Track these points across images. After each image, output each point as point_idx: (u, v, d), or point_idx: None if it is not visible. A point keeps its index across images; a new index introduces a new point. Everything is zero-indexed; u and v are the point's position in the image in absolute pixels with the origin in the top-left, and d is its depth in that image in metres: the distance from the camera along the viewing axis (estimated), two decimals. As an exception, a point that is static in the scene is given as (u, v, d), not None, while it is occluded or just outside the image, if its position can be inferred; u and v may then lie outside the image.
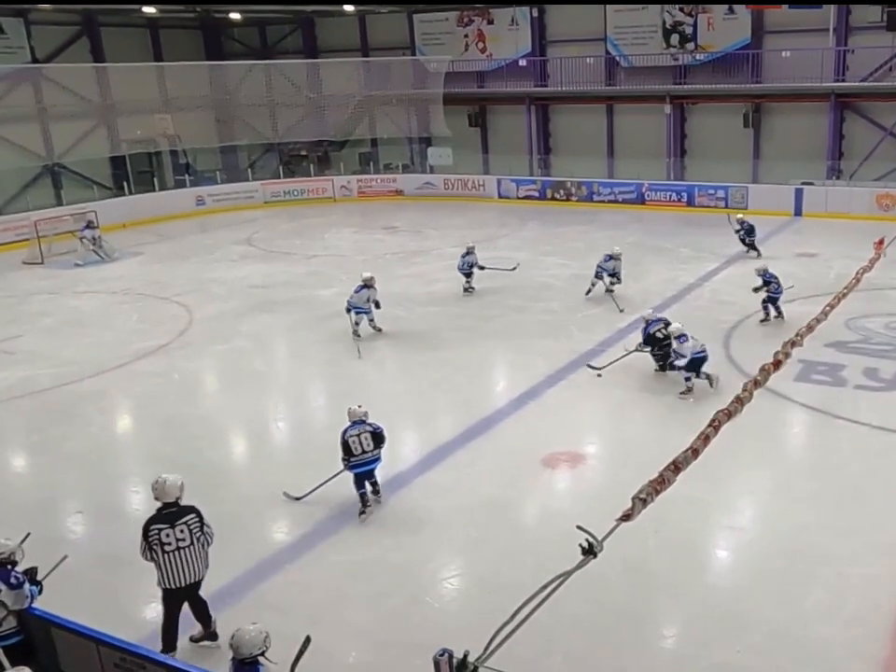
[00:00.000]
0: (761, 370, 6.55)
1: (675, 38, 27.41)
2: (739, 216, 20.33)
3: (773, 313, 15.05)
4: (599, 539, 4.68)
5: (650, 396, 12.34)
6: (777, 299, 14.96)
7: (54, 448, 11.49)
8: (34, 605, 6.56)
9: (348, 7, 29.20)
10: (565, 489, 10.13)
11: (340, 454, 9.41)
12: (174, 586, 7.18)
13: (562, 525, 8.34)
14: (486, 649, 4.50)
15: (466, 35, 31.30)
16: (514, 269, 17.70)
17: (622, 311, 15.79)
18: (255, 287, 18.62)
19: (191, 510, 7.36)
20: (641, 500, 4.91)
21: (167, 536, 7.16)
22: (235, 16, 31.62)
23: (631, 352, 13.04)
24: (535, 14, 29.74)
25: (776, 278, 14.92)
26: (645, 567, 8.08)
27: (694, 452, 5.33)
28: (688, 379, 12.15)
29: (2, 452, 11.78)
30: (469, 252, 17.42)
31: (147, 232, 25.84)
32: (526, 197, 28.89)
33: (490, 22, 30.74)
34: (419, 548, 8.68)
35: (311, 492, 9.60)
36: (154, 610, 7.88)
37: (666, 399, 12.05)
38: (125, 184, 29.47)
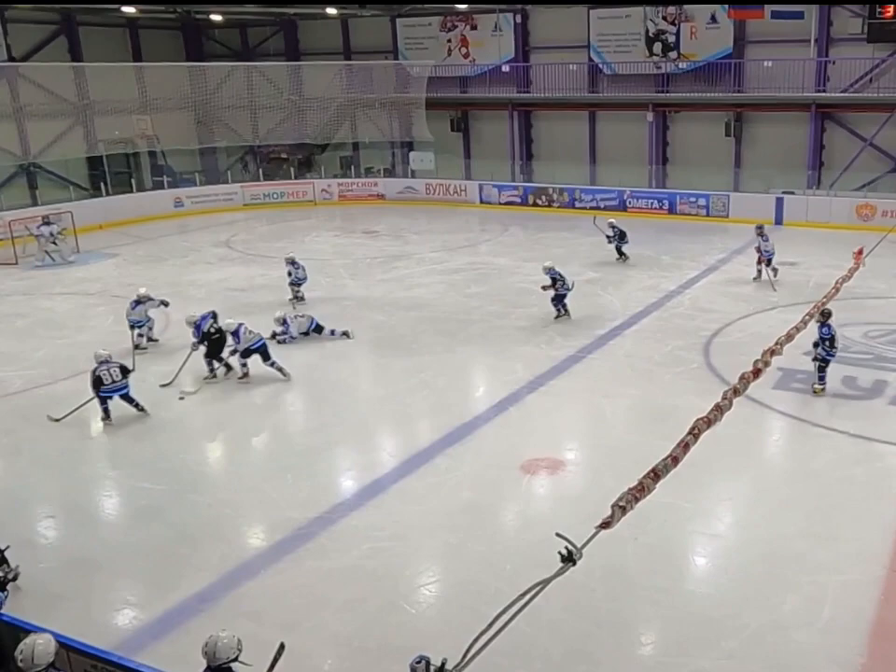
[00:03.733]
0: (740, 378, 6.60)
1: (658, 47, 27.62)
2: (611, 220, 20.71)
3: (563, 310, 16.00)
4: (579, 546, 4.68)
5: (630, 402, 12.39)
6: (565, 295, 15.92)
7: (25, 451, 11.36)
8: (2, 611, 6.50)
9: (331, 10, 29.16)
10: (544, 495, 10.12)
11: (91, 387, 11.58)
12: None
13: (541, 531, 8.37)
14: (464, 657, 4.48)
15: (449, 41, 31.38)
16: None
17: None
18: (233, 290, 18.53)
19: None
20: (621, 508, 4.92)
21: None
22: (216, 17, 31.50)
23: (190, 354, 13.68)
24: (518, 20, 29.90)
25: (563, 277, 15.81)
26: (624, 574, 8.11)
27: (674, 459, 5.35)
28: (243, 365, 13.47)
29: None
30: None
31: (123, 234, 25.65)
32: (508, 203, 28.96)
33: (473, 28, 30.84)
34: (396, 554, 8.65)
35: (69, 414, 11.76)
36: (126, 616, 7.84)
37: (647, 407, 12.10)
38: (102, 185, 29.25)
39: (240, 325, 13.55)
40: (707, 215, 25.72)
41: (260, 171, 32.04)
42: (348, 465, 10.97)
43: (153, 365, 14.21)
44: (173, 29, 33.15)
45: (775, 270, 18.13)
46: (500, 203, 29.06)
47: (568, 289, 15.92)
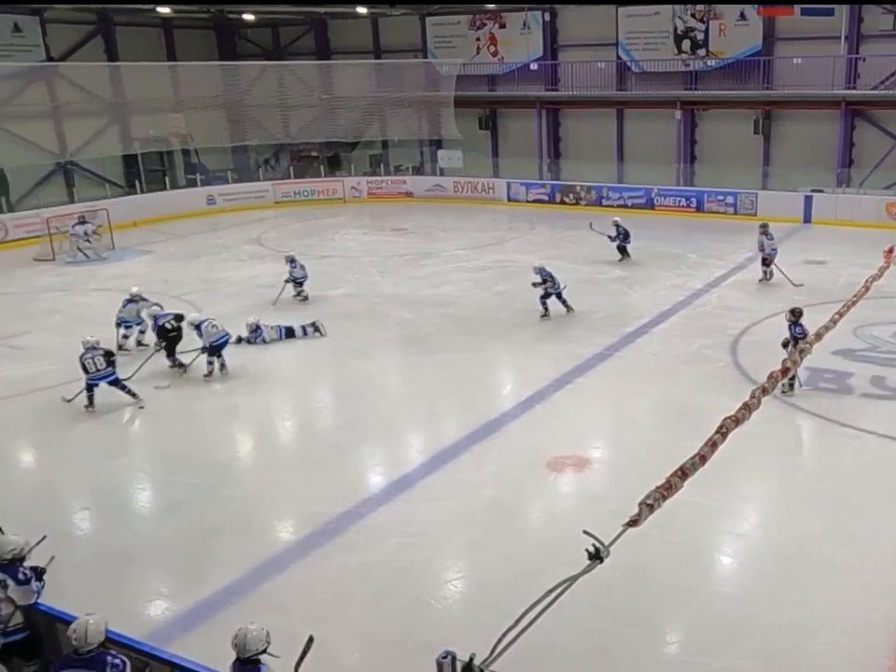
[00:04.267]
0: (769, 377, 6.52)
1: (686, 44, 27.40)
2: (616, 218, 20.56)
3: (561, 308, 16.17)
4: (606, 543, 4.67)
5: (656, 401, 12.31)
6: (551, 295, 16.02)
7: (61, 444, 11.53)
8: (39, 601, 6.57)
9: (361, 9, 29.22)
10: (570, 493, 10.11)
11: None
12: None
13: (566, 529, 8.37)
14: (492, 652, 4.49)
15: (478, 39, 31.33)
16: None
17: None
18: (264, 287, 18.61)
19: None
20: (648, 506, 4.89)
21: None
22: (249, 17, 31.69)
23: (154, 352, 13.83)
24: (547, 18, 29.78)
25: (552, 276, 15.95)
26: (649, 573, 8.05)
27: (702, 458, 5.30)
28: (209, 363, 13.53)
29: (9, 448, 11.78)
30: None
31: (157, 231, 25.87)
32: (535, 200, 28.89)
33: (502, 26, 30.77)
34: (423, 550, 8.67)
35: (76, 395, 12.28)
36: (158, 608, 7.94)
37: (673, 404, 12.02)
38: (137, 182, 29.51)
39: (203, 320, 13.75)
40: (735, 213, 25.48)
41: (291, 169, 32.18)
42: (376, 461, 11.01)
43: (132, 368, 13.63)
44: (206, 28, 33.36)
45: (772, 270, 17.85)
46: (528, 201, 29.00)
47: (559, 289, 16.04)
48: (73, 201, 26.96)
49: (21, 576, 6.42)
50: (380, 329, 15.76)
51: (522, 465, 10.36)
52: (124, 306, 15.09)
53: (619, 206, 27.02)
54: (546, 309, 16.11)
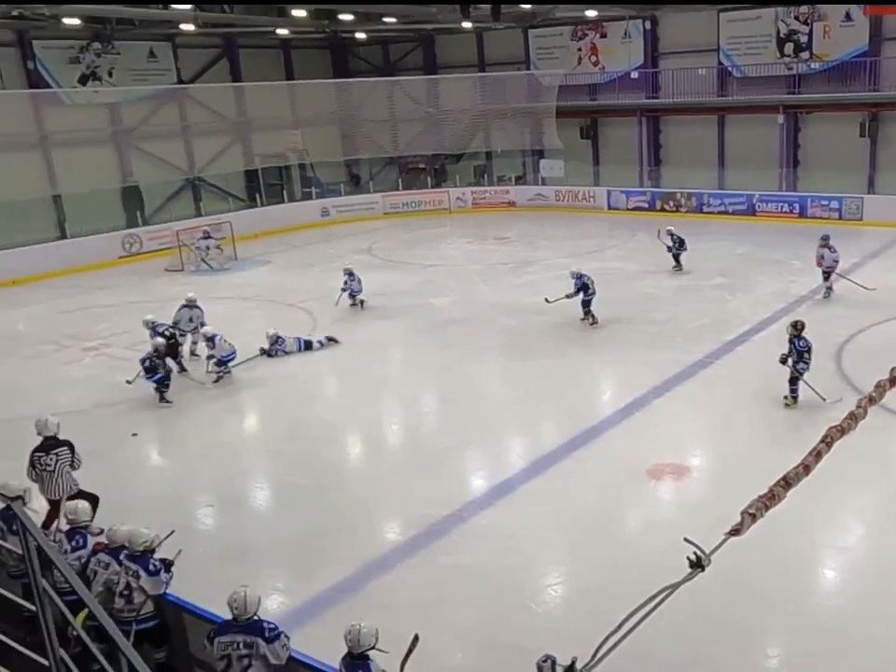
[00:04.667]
0: (876, 386, 6.20)
1: (789, 47, 26.41)
2: (670, 227, 19.78)
3: (592, 317, 15.94)
4: (707, 552, 4.54)
5: (758, 409, 11.91)
6: (590, 300, 15.80)
7: (188, 444, 11.98)
8: (167, 591, 6.78)
9: (466, 24, 29.30)
10: (669, 501, 9.89)
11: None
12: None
13: (666, 537, 8.18)
14: (594, 656, 4.41)
15: (579, 49, 31.00)
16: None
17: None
18: (373, 295, 18.89)
19: (63, 444, 9.00)
20: (750, 516, 4.72)
21: (44, 460, 8.86)
22: (361, 35, 32.16)
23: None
24: (647, 26, 29.20)
25: (591, 281, 15.65)
26: (750, 583, 7.77)
27: (806, 468, 5.07)
28: (219, 373, 13.93)
29: (141, 446, 12.27)
30: None
31: (275, 242, 26.51)
32: (636, 208, 28.37)
33: (603, 36, 30.36)
34: (524, 554, 8.62)
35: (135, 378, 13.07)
36: (274, 602, 8.13)
37: (775, 413, 11.61)
38: (257, 196, 30.38)
39: (216, 334, 14.06)
40: (840, 218, 24.38)
41: (399, 181, 32.55)
42: (478, 465, 11.03)
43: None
44: (322, 48, 33.99)
45: (830, 287, 16.69)
46: (628, 209, 28.49)
47: (594, 295, 15.79)
48: (200, 214, 27.89)
49: (151, 567, 6.60)
50: (483, 336, 15.76)
51: (621, 472, 10.19)
52: (178, 310, 15.42)
53: (720, 213, 26.29)
54: (589, 315, 15.93)
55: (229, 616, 5.84)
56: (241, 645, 5.65)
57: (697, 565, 4.52)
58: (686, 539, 4.58)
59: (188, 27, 25.94)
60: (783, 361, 11.51)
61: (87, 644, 3.94)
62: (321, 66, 33.58)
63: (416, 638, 5.60)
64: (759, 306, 16.53)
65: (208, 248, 23.22)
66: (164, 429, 12.78)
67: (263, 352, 15.17)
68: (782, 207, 25.60)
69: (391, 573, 8.42)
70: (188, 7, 23.82)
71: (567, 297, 15.94)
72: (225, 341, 14.09)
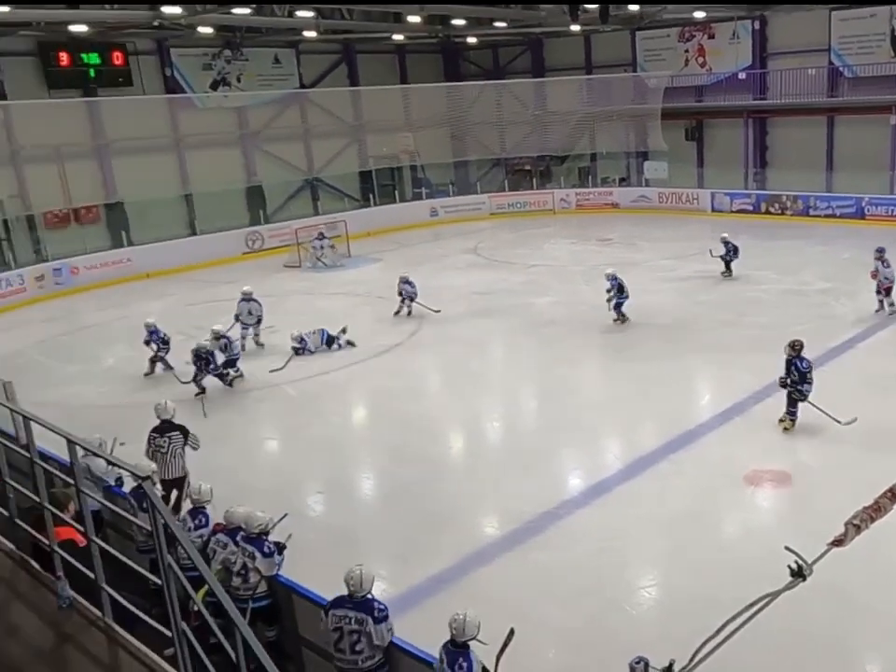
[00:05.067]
0: None
1: (904, 47, 24.99)
2: (724, 234, 19.10)
3: (622, 316, 15.91)
4: (809, 561, 4.36)
5: (862, 418, 11.29)
6: (622, 303, 15.83)
7: (303, 433, 12.27)
8: (279, 573, 6.91)
9: (574, 27, 28.91)
10: (768, 508, 9.57)
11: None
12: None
13: (763, 544, 7.94)
14: (691, 660, 4.34)
15: (686, 51, 30.12)
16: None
17: None
18: (478, 294, 18.92)
19: (178, 428, 9.30)
20: (855, 526, 4.53)
21: (160, 442, 9.19)
22: (472, 40, 32.19)
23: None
24: (756, 27, 28.11)
25: (622, 287, 15.78)
26: (851, 597, 7.43)
27: (913, 479, 4.85)
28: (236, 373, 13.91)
29: (262, 432, 12.71)
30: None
31: (387, 241, 26.77)
32: (740, 211, 27.33)
33: (711, 37, 29.40)
34: (619, 554, 8.51)
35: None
36: (377, 588, 8.24)
37: (881, 423, 11.00)
38: (371, 196, 30.77)
39: (227, 336, 14.05)
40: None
41: (506, 182, 32.44)
42: (575, 464, 10.93)
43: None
44: (434, 53, 34.12)
45: (893, 304, 15.37)
46: (732, 212, 27.47)
47: (627, 297, 15.69)
48: (317, 213, 28.41)
49: (266, 549, 6.76)
50: (583, 337, 15.57)
51: (719, 476, 9.91)
52: (238, 303, 15.73)
53: (826, 216, 25.11)
54: (621, 315, 15.95)
55: (342, 592, 5.93)
56: (352, 620, 5.76)
57: (799, 574, 4.36)
58: (787, 548, 4.42)
59: (310, 34, 26.54)
60: (783, 385, 10.86)
61: (206, 618, 4.07)
62: (433, 70, 33.74)
63: (512, 632, 5.60)
64: (864, 313, 15.72)
65: (322, 248, 23.73)
66: (279, 418, 13.16)
67: (297, 352, 15.35)
68: (893, 211, 24.23)
69: (489, 567, 8.43)
70: (310, 14, 24.42)
71: (608, 301, 16.03)
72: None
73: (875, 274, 15.50)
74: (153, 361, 14.61)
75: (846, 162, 26.48)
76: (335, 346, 15.66)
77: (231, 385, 13.76)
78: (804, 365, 10.76)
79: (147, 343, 14.65)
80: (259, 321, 15.87)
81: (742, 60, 28.55)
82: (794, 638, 6.98)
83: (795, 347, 10.84)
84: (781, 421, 11.04)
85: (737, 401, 12.04)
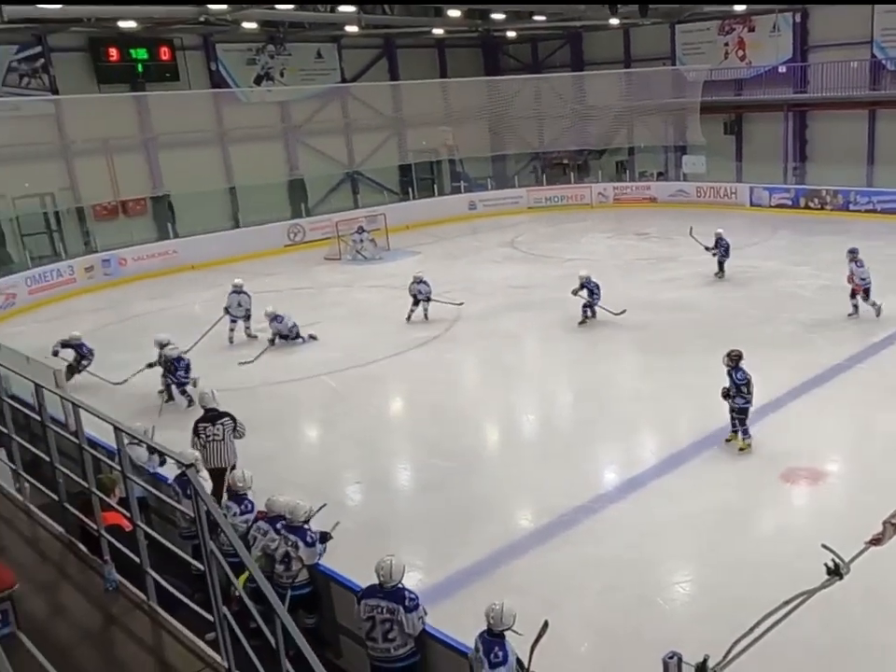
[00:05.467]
0: None
1: (950, 40, 24.32)
2: (719, 230, 18.31)
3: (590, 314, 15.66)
4: (845, 560, 4.29)
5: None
6: (593, 305, 15.56)
7: (339, 424, 12.32)
8: (319, 562, 6.97)
9: (613, 21, 28.59)
10: (804, 506, 9.41)
11: None
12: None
13: (799, 542, 7.83)
14: (725, 657, 4.29)
15: (726, 44, 29.60)
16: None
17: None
18: (515, 287, 18.83)
19: (226, 415, 9.20)
20: (893, 525, 4.45)
21: (209, 431, 9.06)
22: (511, 34, 32.00)
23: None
24: (798, 19, 27.55)
25: (598, 289, 15.49)
26: (888, 598, 7.28)
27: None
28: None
29: (300, 423, 12.81)
30: None
31: (425, 234, 26.75)
32: (779, 205, 26.82)
33: (751, 30, 28.87)
34: (652, 549, 8.42)
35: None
36: (413, 579, 8.29)
37: (921, 422, 10.80)
38: (410, 189, 30.76)
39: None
40: None
41: (543, 176, 32.23)
42: (610, 458, 10.84)
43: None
44: (474, 47, 33.94)
45: (875, 305, 14.73)
46: (770, 206, 26.97)
47: (597, 302, 15.55)
48: (357, 206, 28.44)
49: (308, 538, 6.81)
50: (619, 331, 15.42)
51: (754, 473, 9.77)
52: (228, 295, 15.74)
53: (867, 211, 24.57)
54: (586, 317, 15.72)
55: (374, 582, 5.97)
56: (384, 610, 5.80)
57: (835, 572, 4.29)
58: (824, 546, 4.34)
59: (352, 29, 26.62)
60: (725, 395, 10.27)
61: (246, 604, 4.11)
62: (473, 65, 33.55)
63: (546, 625, 5.58)
64: (906, 309, 15.38)
65: (362, 241, 23.81)
66: (317, 410, 13.23)
67: (270, 342, 15.45)
68: (935, 205, 23.67)
69: (523, 559, 8.42)
70: (352, 9, 24.48)
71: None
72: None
73: (850, 278, 14.85)
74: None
75: (887, 157, 25.87)
76: (300, 340, 15.68)
77: (189, 404, 12.47)
78: (738, 376, 10.15)
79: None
80: (248, 314, 15.86)
81: (783, 53, 28.01)
82: (830, 638, 6.87)
83: (732, 357, 10.23)
84: (728, 441, 10.43)
85: (774, 398, 11.81)
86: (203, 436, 9.06)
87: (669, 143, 31.06)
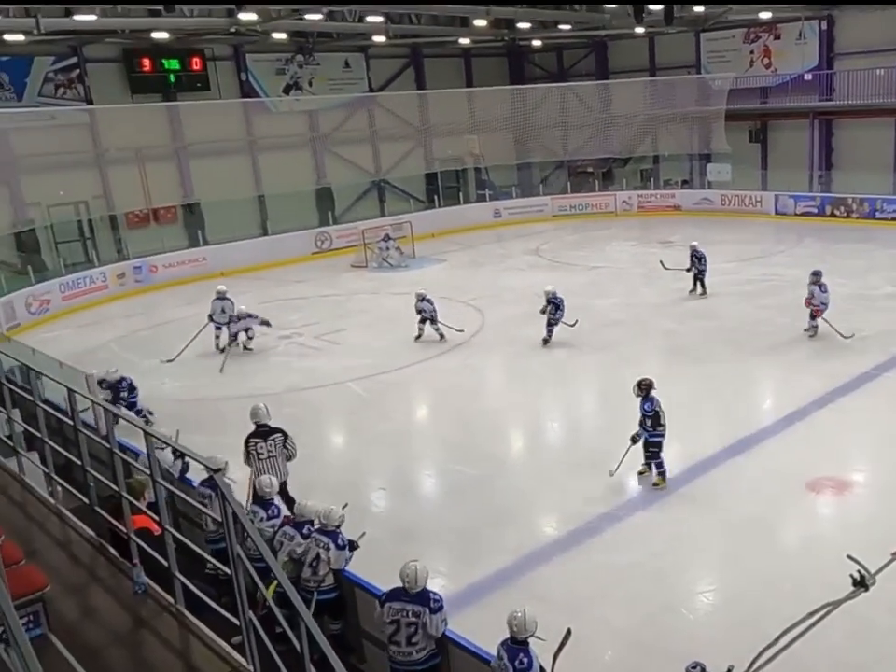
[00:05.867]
0: None
1: (979, 47, 23.93)
2: (694, 243, 17.22)
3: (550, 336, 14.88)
4: (872, 571, 4.21)
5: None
6: (556, 323, 14.90)
7: (365, 429, 12.31)
8: (346, 568, 6.93)
9: (639, 30, 28.48)
10: (829, 516, 9.27)
11: None
12: None
13: (825, 553, 7.72)
14: (750, 667, 4.24)
15: (751, 52, 29.38)
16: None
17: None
18: (539, 295, 18.66)
19: (278, 430, 8.91)
20: None
21: (261, 447, 8.77)
22: (537, 43, 31.98)
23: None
24: (824, 27, 27.25)
25: (559, 306, 14.82)
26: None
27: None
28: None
29: (325, 429, 12.79)
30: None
31: (450, 241, 26.73)
32: (804, 213, 26.49)
33: (777, 38, 28.61)
34: (676, 558, 8.34)
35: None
36: (436, 585, 8.24)
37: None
38: (435, 197, 30.77)
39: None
40: None
41: (568, 184, 32.12)
42: (634, 466, 10.71)
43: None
44: (500, 56, 33.95)
45: (816, 326, 14.37)
46: (796, 214, 26.64)
47: (561, 318, 14.66)
48: (383, 214, 28.56)
49: (340, 541, 6.78)
50: (644, 339, 15.33)
51: (779, 482, 9.63)
52: (212, 301, 15.76)
53: (893, 219, 24.20)
54: (549, 334, 14.97)
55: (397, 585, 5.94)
56: (409, 613, 5.78)
57: (861, 584, 4.21)
58: (849, 557, 4.26)
59: (379, 38, 26.78)
60: (633, 439, 9.76)
61: (272, 609, 4.11)
62: (499, 74, 33.55)
63: (569, 632, 5.55)
64: (935, 319, 15.14)
65: (388, 248, 23.85)
66: (344, 415, 13.24)
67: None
68: (963, 214, 23.26)
69: (547, 566, 8.36)
70: (380, 19, 24.58)
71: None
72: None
73: (808, 301, 14.32)
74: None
75: (914, 165, 25.53)
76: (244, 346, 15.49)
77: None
78: (646, 407, 9.71)
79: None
80: (231, 320, 15.72)
81: (808, 61, 27.73)
82: (856, 650, 6.76)
83: (642, 387, 9.75)
84: (640, 473, 9.96)
85: (799, 406, 11.71)
86: (255, 452, 8.77)
87: (694, 151, 30.85)
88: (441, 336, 15.83)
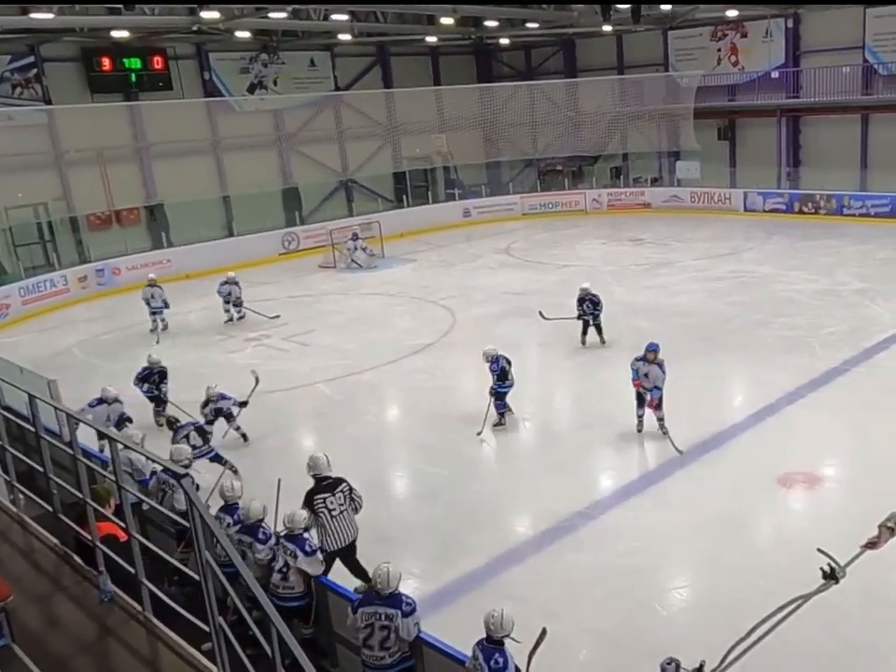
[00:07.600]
0: None
1: (941, 44, 24.45)
2: (585, 285, 14.76)
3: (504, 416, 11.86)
4: (842, 564, 4.28)
5: (896, 419, 11.14)
6: (504, 394, 11.69)
7: (337, 430, 12.26)
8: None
9: (606, 28, 28.71)
10: (800, 511, 9.41)
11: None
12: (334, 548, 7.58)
13: (796, 547, 7.82)
14: (722, 662, 4.29)
15: (719, 50, 29.79)
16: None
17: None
18: (510, 294, 18.84)
19: (342, 480, 7.79)
20: (889, 529, 4.45)
21: (330, 503, 7.59)
22: (504, 41, 32.11)
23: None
24: (790, 25, 27.69)
25: (509, 370, 11.65)
26: (885, 602, 7.29)
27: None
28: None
29: (294, 432, 12.73)
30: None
31: (420, 241, 26.77)
32: (773, 210, 26.90)
33: (744, 36, 29.04)
34: (650, 556, 8.40)
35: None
36: (409, 586, 8.25)
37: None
38: (404, 197, 30.80)
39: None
40: None
41: (538, 182, 32.28)
42: (608, 465, 10.82)
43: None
44: (467, 54, 34.08)
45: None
46: (765, 211, 27.04)
47: (511, 386, 11.69)
48: (352, 214, 28.46)
49: (307, 548, 6.66)
50: (614, 337, 15.41)
51: (751, 478, 9.75)
52: (143, 290, 17.07)
53: (861, 215, 24.66)
54: (503, 415, 11.77)
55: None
56: (383, 616, 5.78)
57: (831, 576, 4.29)
58: (819, 550, 4.34)
59: (345, 37, 26.70)
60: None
61: (242, 612, 4.10)
62: (466, 72, 33.68)
63: (544, 632, 5.55)
64: (900, 313, 15.43)
65: (356, 248, 23.80)
66: (313, 418, 13.19)
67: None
68: (929, 210, 23.75)
69: (521, 566, 8.40)
70: (345, 17, 24.53)
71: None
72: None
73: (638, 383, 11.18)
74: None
75: (880, 161, 26.02)
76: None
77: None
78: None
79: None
80: (166, 304, 17.36)
81: (775, 58, 28.18)
82: (826, 642, 6.88)
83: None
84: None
85: (770, 402, 11.87)
86: (325, 509, 7.51)
87: (663, 149, 31.22)
88: (242, 317, 18.07)
